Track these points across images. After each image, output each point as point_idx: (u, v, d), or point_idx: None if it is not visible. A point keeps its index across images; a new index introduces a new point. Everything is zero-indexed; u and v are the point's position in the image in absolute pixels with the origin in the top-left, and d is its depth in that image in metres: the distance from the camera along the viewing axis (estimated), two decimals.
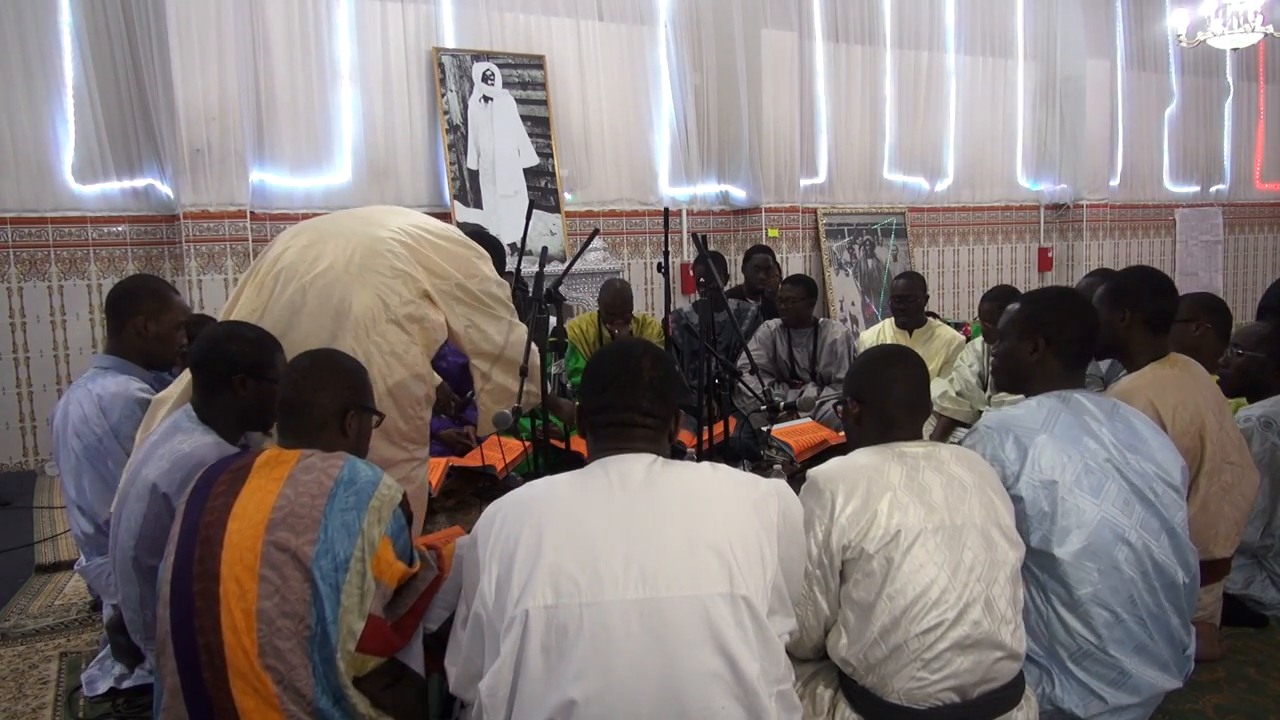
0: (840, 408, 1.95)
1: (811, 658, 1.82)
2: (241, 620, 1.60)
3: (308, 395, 1.84)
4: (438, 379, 2.52)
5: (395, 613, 1.75)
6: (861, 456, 1.79)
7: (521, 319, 2.75)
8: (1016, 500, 1.91)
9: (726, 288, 6.07)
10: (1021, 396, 3.56)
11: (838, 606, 1.73)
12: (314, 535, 1.64)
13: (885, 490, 1.69)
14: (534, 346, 2.65)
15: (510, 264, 5.09)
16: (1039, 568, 1.93)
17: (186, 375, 2.24)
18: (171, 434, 2.07)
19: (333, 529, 1.65)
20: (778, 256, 6.51)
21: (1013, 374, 2.19)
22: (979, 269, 8.21)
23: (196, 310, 4.40)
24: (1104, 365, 3.31)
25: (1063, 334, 2.10)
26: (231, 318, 2.30)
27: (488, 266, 2.59)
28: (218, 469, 1.80)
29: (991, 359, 3.91)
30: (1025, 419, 2.00)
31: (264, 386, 2.09)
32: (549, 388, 2.77)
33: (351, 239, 2.34)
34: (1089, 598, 1.88)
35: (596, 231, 3.51)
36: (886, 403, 1.83)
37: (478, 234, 2.93)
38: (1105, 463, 1.94)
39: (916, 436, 1.84)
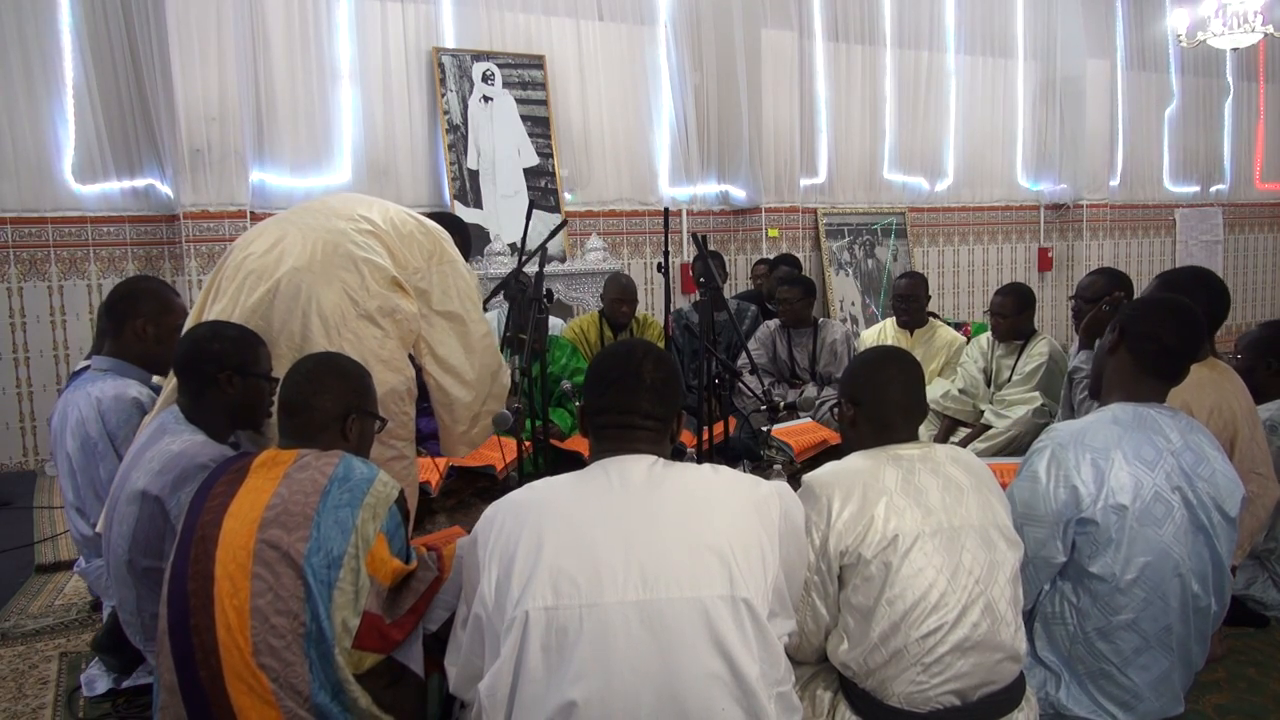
0: (835, 410, 1.93)
1: (812, 660, 1.81)
2: (235, 619, 1.60)
3: (310, 397, 1.84)
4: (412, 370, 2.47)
5: (394, 613, 1.75)
6: (857, 460, 1.78)
7: (521, 318, 2.75)
8: (1089, 523, 1.85)
9: (735, 291, 6.10)
10: (1033, 396, 3.61)
11: (837, 612, 1.72)
12: (306, 532, 1.64)
13: (881, 494, 1.68)
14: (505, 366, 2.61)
15: (510, 264, 5.11)
16: (1084, 590, 1.89)
17: (170, 384, 2.22)
18: (159, 436, 2.06)
19: (325, 526, 1.65)
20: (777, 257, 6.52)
21: None
22: (979, 269, 8.21)
23: None
24: None
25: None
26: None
27: (452, 249, 2.54)
28: (219, 471, 1.81)
29: (998, 356, 3.91)
30: (1099, 436, 1.91)
31: (251, 382, 2.09)
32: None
33: (311, 235, 2.29)
34: (1127, 623, 1.85)
35: (564, 223, 3.55)
36: (882, 405, 1.81)
37: (444, 218, 2.85)
38: (1174, 491, 1.87)
39: (913, 439, 1.82)
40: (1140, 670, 1.86)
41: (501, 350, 3.11)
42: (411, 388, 2.41)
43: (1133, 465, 1.86)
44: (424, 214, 2.67)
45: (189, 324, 2.37)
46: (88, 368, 2.65)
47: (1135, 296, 2.51)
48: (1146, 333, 1.98)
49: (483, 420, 2.61)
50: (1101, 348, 2.10)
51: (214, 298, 2.30)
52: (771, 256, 6.09)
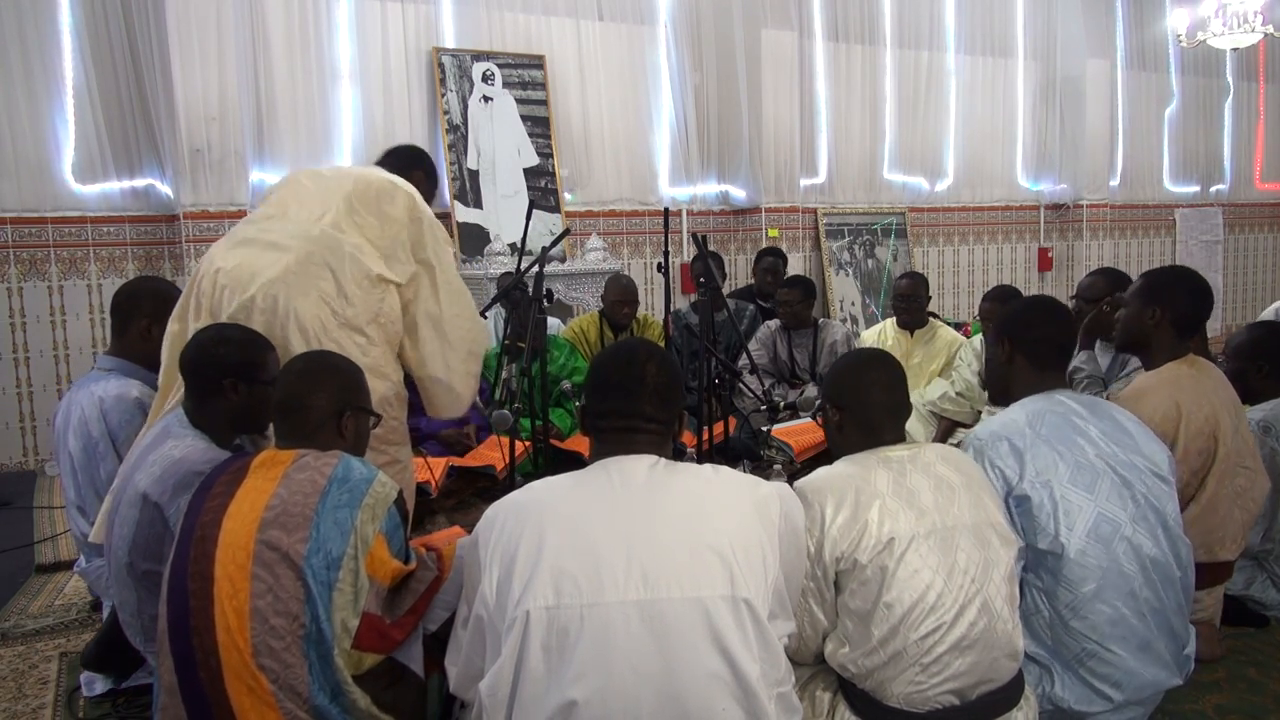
0: (820, 416, 1.94)
1: (810, 663, 1.81)
2: (235, 620, 1.60)
3: (304, 396, 1.83)
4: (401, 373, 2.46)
5: (394, 613, 1.75)
6: (847, 465, 1.78)
7: (522, 318, 2.75)
8: (1024, 500, 1.91)
9: (733, 289, 6.10)
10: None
11: (835, 617, 1.72)
12: (305, 534, 1.64)
13: (874, 498, 1.68)
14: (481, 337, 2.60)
15: (510, 264, 5.11)
16: (1046, 571, 1.92)
17: (177, 380, 2.22)
18: (163, 439, 2.06)
19: (325, 527, 1.65)
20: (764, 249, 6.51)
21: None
22: (979, 269, 8.21)
23: None
24: (1104, 362, 3.31)
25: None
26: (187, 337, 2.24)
27: (421, 203, 2.50)
28: (217, 471, 1.80)
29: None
30: (1013, 423, 2.01)
31: (256, 389, 2.08)
32: (499, 394, 2.71)
33: (287, 245, 2.27)
34: (1092, 594, 1.87)
35: (567, 231, 3.54)
36: (867, 407, 1.81)
37: (404, 153, 2.77)
38: (1096, 458, 1.95)
39: (900, 439, 1.82)
40: (1120, 642, 1.87)
41: (500, 357, 3.11)
42: (401, 392, 2.41)
43: (1047, 443, 1.95)
44: (385, 155, 2.67)
45: (172, 342, 2.34)
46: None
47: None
48: (1035, 336, 2.13)
49: (468, 372, 2.59)
50: (994, 361, 2.21)
51: (194, 315, 2.28)
52: (775, 254, 6.11)
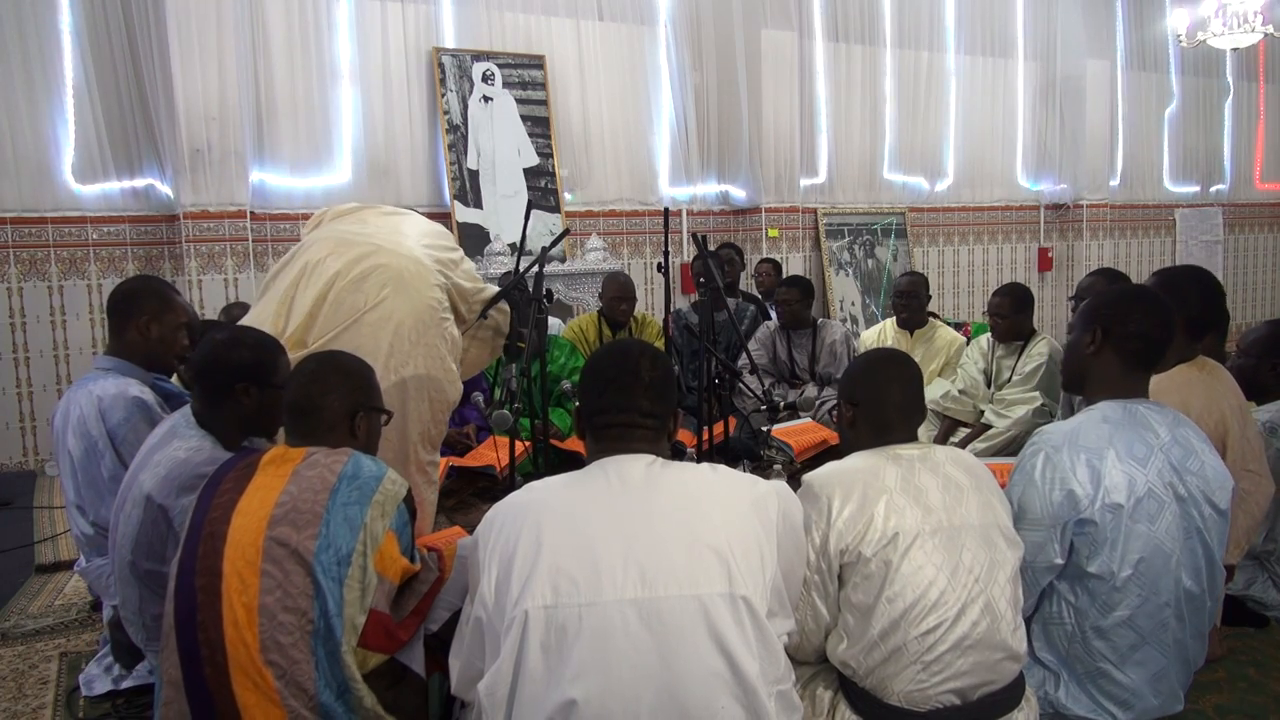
0: (835, 412, 1.93)
1: (812, 661, 1.81)
2: (243, 616, 1.60)
3: (317, 398, 1.83)
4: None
5: (399, 614, 1.75)
6: (857, 460, 1.78)
7: (521, 318, 2.77)
8: (1088, 524, 1.83)
9: None
10: (1034, 396, 3.61)
11: (837, 611, 1.72)
12: (315, 530, 1.64)
13: (882, 493, 1.68)
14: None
15: (509, 264, 5.11)
16: (1083, 589, 1.88)
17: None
18: (169, 439, 2.06)
19: (335, 524, 1.65)
20: (778, 256, 6.53)
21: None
22: (979, 269, 8.21)
23: (196, 310, 4.39)
24: None
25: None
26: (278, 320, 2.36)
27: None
28: (226, 467, 1.80)
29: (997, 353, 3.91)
30: (1092, 436, 1.88)
31: (268, 393, 2.07)
32: (499, 394, 2.82)
33: (396, 257, 2.50)
34: (1123, 620, 1.84)
35: (567, 231, 3.56)
36: (882, 406, 1.81)
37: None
38: (1166, 487, 1.86)
39: (912, 439, 1.82)
40: (1136, 667, 1.86)
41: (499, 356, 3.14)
42: (457, 396, 2.62)
43: (1125, 463, 1.85)
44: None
45: (263, 319, 2.45)
46: None
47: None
48: (1134, 332, 1.95)
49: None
50: (1079, 349, 2.03)
51: (297, 297, 2.41)
52: (770, 255, 6.10)
